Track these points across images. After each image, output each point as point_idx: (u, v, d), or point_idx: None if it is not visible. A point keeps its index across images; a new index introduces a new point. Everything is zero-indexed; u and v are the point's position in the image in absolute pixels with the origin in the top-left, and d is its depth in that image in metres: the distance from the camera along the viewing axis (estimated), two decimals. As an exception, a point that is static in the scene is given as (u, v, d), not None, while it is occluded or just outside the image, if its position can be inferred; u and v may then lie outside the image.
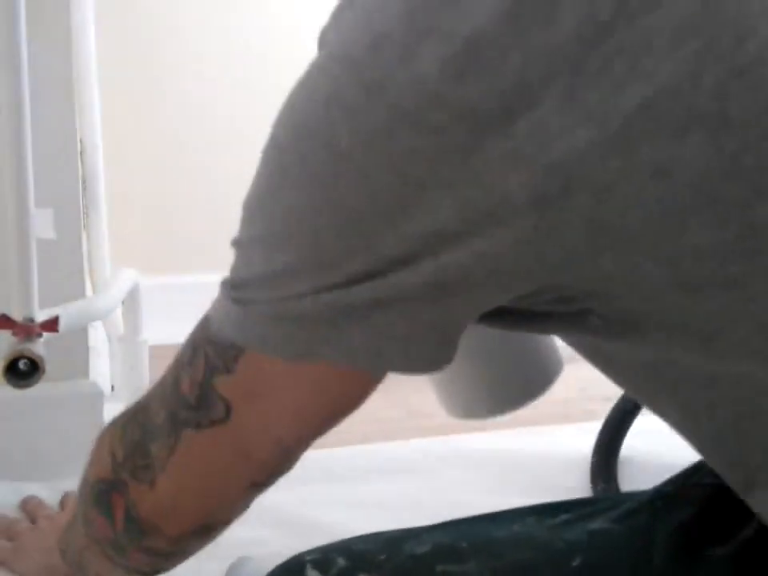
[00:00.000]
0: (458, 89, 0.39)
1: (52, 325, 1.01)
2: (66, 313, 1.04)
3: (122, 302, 1.38)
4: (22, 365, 0.97)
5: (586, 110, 0.38)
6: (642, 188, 0.39)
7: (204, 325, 0.54)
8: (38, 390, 1.01)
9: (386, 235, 0.43)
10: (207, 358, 0.52)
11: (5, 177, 0.99)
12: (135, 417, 0.58)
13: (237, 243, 0.51)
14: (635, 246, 0.41)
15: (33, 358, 0.97)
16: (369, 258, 0.44)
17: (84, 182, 1.35)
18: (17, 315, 0.99)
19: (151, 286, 1.47)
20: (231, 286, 0.51)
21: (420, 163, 0.40)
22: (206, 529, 0.57)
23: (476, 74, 0.38)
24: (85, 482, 0.62)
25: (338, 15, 0.43)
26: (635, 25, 0.36)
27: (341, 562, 0.61)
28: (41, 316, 1.00)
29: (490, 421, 1.38)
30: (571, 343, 0.54)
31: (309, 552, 0.64)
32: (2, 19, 0.95)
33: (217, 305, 0.53)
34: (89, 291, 1.36)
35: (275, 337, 0.49)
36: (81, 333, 1.24)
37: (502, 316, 0.50)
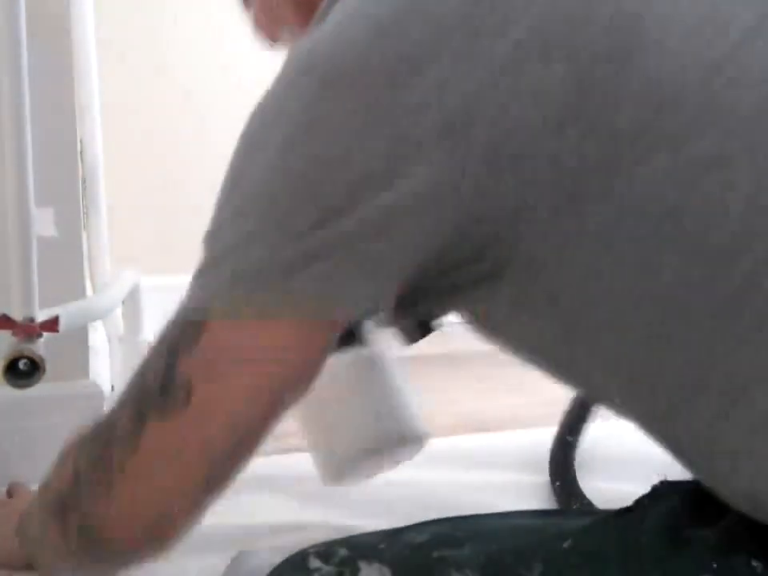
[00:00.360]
0: (376, 54, 0.49)
1: (52, 325, 1.00)
2: (66, 313, 1.04)
3: (123, 302, 1.38)
4: (22, 365, 0.97)
5: (475, 60, 0.47)
6: (524, 107, 0.47)
7: (167, 322, 0.57)
8: (38, 390, 1.01)
9: (326, 187, 0.51)
10: (170, 343, 0.55)
11: (5, 176, 0.99)
12: (99, 430, 0.59)
13: (206, 237, 0.57)
14: (525, 163, 0.49)
15: (33, 357, 0.97)
16: (314, 211, 0.52)
17: (84, 181, 1.34)
18: (17, 315, 0.98)
19: (151, 286, 1.47)
20: (197, 273, 0.56)
21: (353, 118, 0.50)
22: (160, 537, 0.57)
23: (392, 36, 0.49)
24: (45, 489, 0.63)
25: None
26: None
27: (342, 552, 0.63)
28: (41, 316, 1.00)
29: (490, 422, 1.38)
30: (490, 330, 0.60)
31: (312, 546, 0.65)
32: (2, 19, 0.95)
33: (182, 299, 0.56)
34: (89, 291, 1.36)
35: (234, 299, 0.53)
36: (81, 333, 1.24)
37: (426, 296, 0.57)
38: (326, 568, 0.63)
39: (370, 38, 0.50)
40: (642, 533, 0.57)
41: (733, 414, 0.49)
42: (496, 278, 0.54)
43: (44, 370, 0.98)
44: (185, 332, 0.55)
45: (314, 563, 0.63)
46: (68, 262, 1.20)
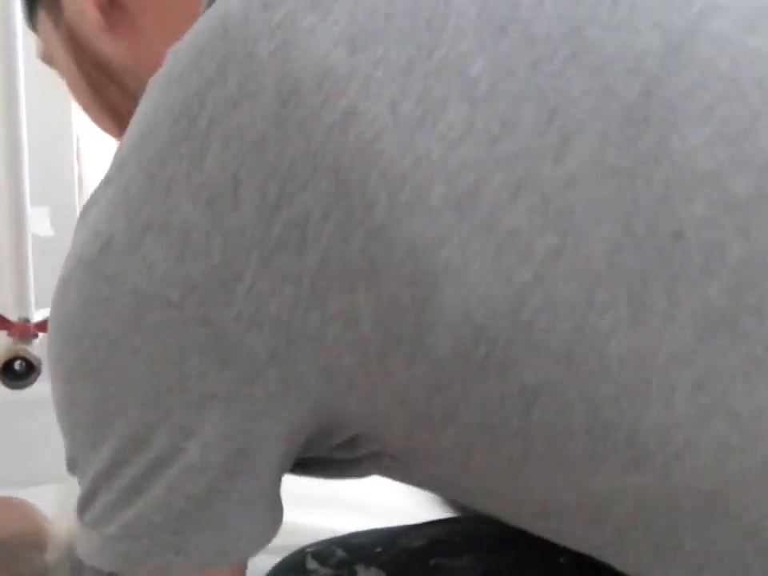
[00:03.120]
0: (180, 270, 0.45)
1: (48, 325, 1.00)
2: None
3: (119, 302, 1.38)
4: (17, 366, 0.97)
5: (281, 272, 0.44)
6: (340, 334, 0.45)
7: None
8: (34, 391, 1.00)
9: (165, 403, 0.48)
10: None
11: (1, 176, 0.98)
12: None
13: (68, 466, 0.53)
14: (364, 385, 0.46)
15: (29, 359, 0.97)
16: (167, 435, 0.48)
17: (80, 180, 1.34)
18: (12, 315, 0.98)
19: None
20: (80, 507, 0.52)
21: (169, 334, 0.46)
22: None
23: (191, 255, 0.45)
24: None
25: (77, 227, 0.51)
26: (294, 201, 0.44)
27: (340, 553, 0.63)
28: (36, 316, 1.00)
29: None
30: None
31: (310, 545, 0.65)
32: (-2, 17, 0.95)
33: (82, 538, 0.53)
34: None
35: (133, 554, 0.51)
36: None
37: (309, 467, 0.55)
38: (323, 570, 0.62)
39: (171, 256, 0.46)
40: None
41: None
42: (376, 460, 0.53)
43: (40, 371, 0.98)
44: None
45: (312, 564, 0.63)
46: (64, 262, 1.19)
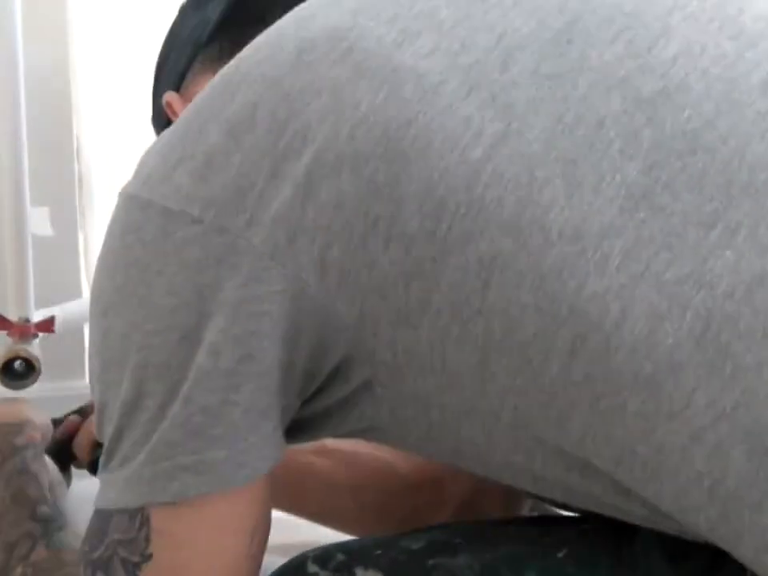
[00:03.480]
0: (202, 187, 0.54)
1: (48, 325, 1.00)
2: (62, 313, 1.03)
3: (119, 302, 1.38)
4: (17, 366, 0.97)
5: (284, 175, 0.53)
6: (330, 221, 0.53)
7: (96, 529, 0.59)
8: (34, 390, 1.00)
9: (181, 320, 0.54)
10: (123, 562, 0.57)
11: (1, 176, 0.98)
12: None
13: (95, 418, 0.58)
14: (351, 279, 0.53)
15: (28, 358, 0.97)
16: (182, 351, 0.54)
17: (80, 180, 1.34)
18: (12, 315, 0.98)
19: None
20: (105, 458, 0.57)
21: (189, 250, 0.54)
22: None
23: (213, 174, 0.54)
24: None
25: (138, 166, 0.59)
26: (300, 116, 0.54)
27: (339, 556, 0.63)
28: (37, 316, 1.00)
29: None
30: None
31: (311, 550, 0.65)
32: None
33: (101, 498, 0.58)
34: (85, 291, 1.35)
35: (157, 479, 0.55)
36: (77, 333, 1.23)
37: (310, 425, 0.60)
38: (323, 573, 0.63)
39: (196, 178, 0.55)
40: (636, 542, 0.57)
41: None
42: (369, 392, 0.57)
43: (39, 371, 0.98)
44: (134, 537, 0.57)
45: (312, 568, 0.63)
46: (64, 262, 1.19)
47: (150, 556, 0.56)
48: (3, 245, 0.99)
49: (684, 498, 0.50)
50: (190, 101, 0.69)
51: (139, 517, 0.56)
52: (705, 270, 0.49)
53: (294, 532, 0.87)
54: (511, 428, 0.55)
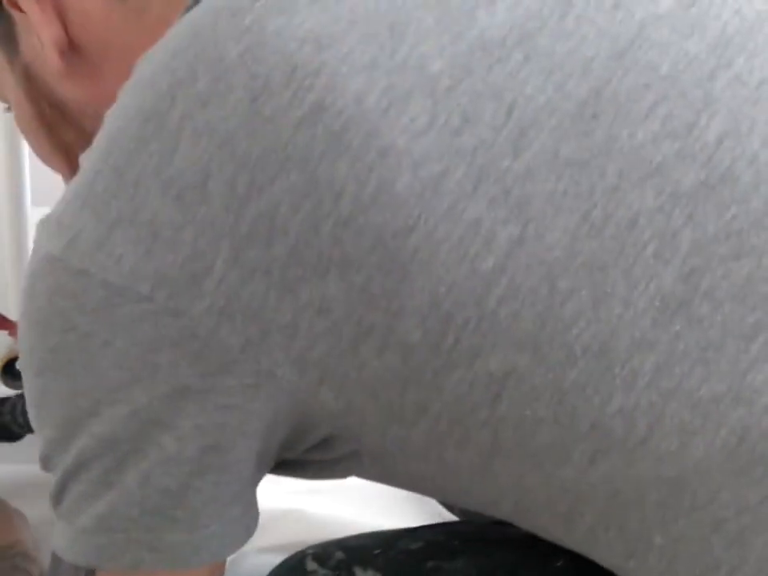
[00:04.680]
0: (150, 263, 0.46)
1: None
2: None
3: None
4: (18, 366, 0.97)
5: (251, 263, 0.45)
6: (312, 323, 0.46)
7: (52, 569, 0.58)
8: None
9: (135, 396, 0.48)
10: None
11: (1, 176, 0.98)
12: None
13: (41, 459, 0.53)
14: (336, 377, 0.47)
15: (29, 358, 0.97)
16: (139, 430, 0.49)
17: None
18: (13, 315, 0.98)
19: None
20: (53, 500, 0.53)
21: (140, 327, 0.47)
22: None
23: (161, 249, 0.46)
24: None
25: (38, 225, 0.51)
26: (263, 194, 0.45)
27: (338, 555, 0.62)
28: (37, 316, 0.99)
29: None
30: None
31: (310, 547, 0.65)
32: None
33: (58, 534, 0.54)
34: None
35: (106, 549, 0.51)
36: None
37: (289, 468, 0.56)
38: (323, 571, 0.62)
39: (141, 252, 0.46)
40: None
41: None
42: (356, 459, 0.53)
43: (40, 371, 0.98)
44: None
45: (311, 566, 0.63)
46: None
47: None
48: (3, 244, 0.99)
49: None
50: None
51: (85, 571, 0.54)
52: (743, 385, 0.46)
53: (293, 532, 0.87)
54: (509, 516, 0.53)
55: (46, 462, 0.53)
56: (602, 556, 0.51)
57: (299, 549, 0.66)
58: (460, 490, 0.53)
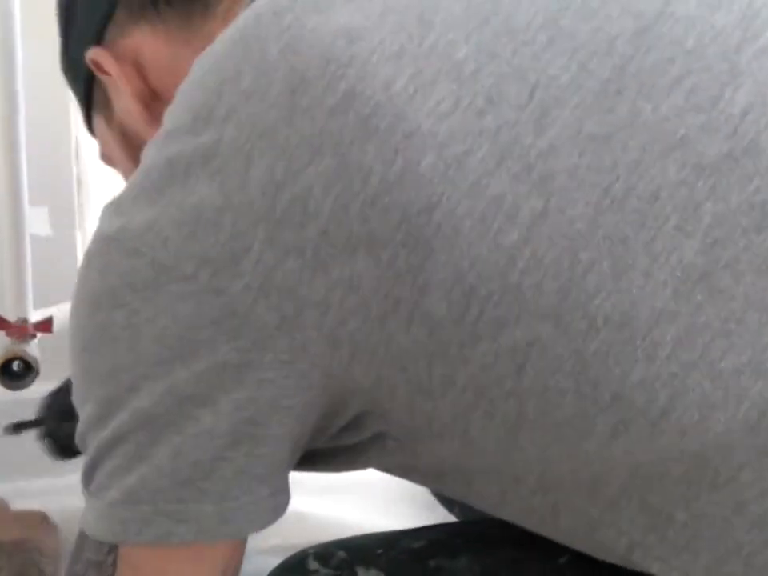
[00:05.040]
0: (194, 245, 0.49)
1: (46, 325, 1.00)
2: (61, 313, 1.03)
3: (117, 303, 1.37)
4: (15, 366, 0.97)
5: (285, 244, 0.48)
6: (343, 300, 0.48)
7: (77, 547, 0.60)
8: (32, 391, 1.00)
9: (175, 373, 0.50)
10: None
11: (0, 175, 0.98)
12: None
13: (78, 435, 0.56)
14: (366, 351, 0.49)
15: (27, 359, 0.96)
16: (176, 405, 0.51)
17: (79, 180, 1.34)
18: (11, 316, 0.98)
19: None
20: (84, 478, 0.55)
21: (183, 305, 0.49)
22: None
23: (204, 231, 0.49)
24: None
25: (103, 209, 0.54)
26: (298, 178, 0.48)
27: (340, 554, 0.63)
28: (35, 316, 0.99)
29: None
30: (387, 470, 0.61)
31: (311, 547, 0.65)
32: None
33: (86, 515, 0.55)
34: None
35: (133, 521, 0.52)
36: (75, 333, 1.23)
37: (314, 460, 0.58)
38: (324, 570, 0.63)
39: (185, 233, 0.50)
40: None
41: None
42: (381, 443, 0.55)
43: (38, 372, 0.98)
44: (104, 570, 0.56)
45: (313, 565, 0.63)
46: (62, 262, 1.19)
47: None
48: (2, 245, 0.99)
49: (718, 567, 0.50)
50: (123, 56, 0.67)
51: (109, 544, 0.56)
52: (765, 358, 0.46)
53: (293, 534, 0.87)
54: (531, 492, 0.53)
55: (83, 439, 0.55)
56: (621, 530, 0.51)
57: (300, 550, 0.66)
58: (485, 469, 0.53)
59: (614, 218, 0.46)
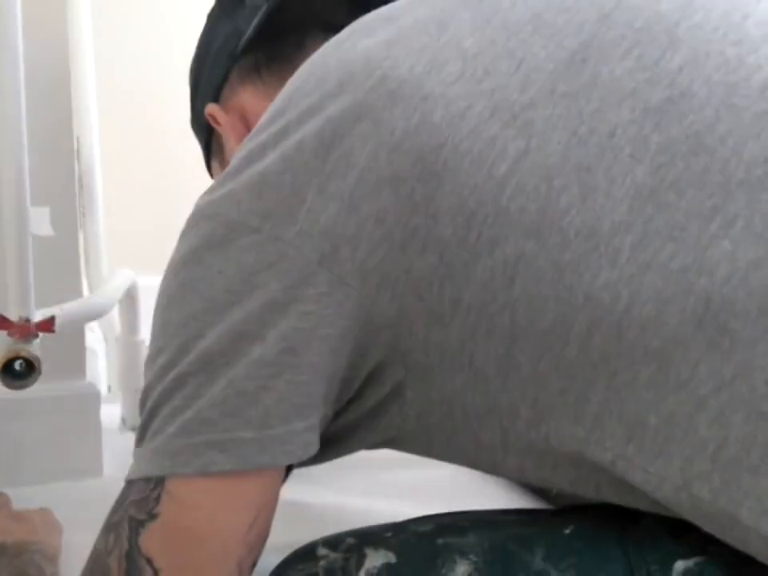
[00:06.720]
0: (260, 202, 0.62)
1: (48, 325, 1.00)
2: (63, 313, 1.03)
3: (119, 302, 1.38)
4: (17, 365, 0.97)
5: (330, 193, 0.61)
6: (371, 233, 0.60)
7: (120, 496, 0.63)
8: (34, 391, 1.00)
9: (233, 315, 0.60)
10: (130, 520, 0.61)
11: (1, 175, 0.98)
12: None
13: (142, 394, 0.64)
14: (390, 280, 0.60)
15: (29, 358, 0.96)
16: (232, 343, 0.60)
17: (80, 180, 1.34)
18: (13, 315, 0.98)
19: (148, 285, 1.46)
20: (139, 435, 0.62)
21: (248, 255, 0.61)
22: None
23: (268, 191, 0.62)
24: None
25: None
26: (343, 141, 0.61)
27: (350, 540, 0.66)
28: (37, 316, 0.99)
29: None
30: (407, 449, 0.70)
31: (322, 537, 0.68)
32: (-2, 17, 0.94)
33: (130, 469, 0.63)
34: (85, 291, 1.35)
35: (183, 453, 0.59)
36: (77, 333, 1.23)
37: (336, 441, 0.67)
38: (333, 555, 0.65)
39: (254, 194, 0.62)
40: (641, 516, 0.60)
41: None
42: (399, 397, 0.64)
43: (40, 371, 0.98)
44: (145, 499, 0.60)
45: (322, 551, 0.66)
46: (64, 262, 1.19)
47: (156, 516, 0.60)
48: (3, 245, 0.99)
49: (690, 467, 0.54)
50: (232, 110, 0.90)
51: (155, 480, 0.60)
52: (705, 258, 0.55)
53: (294, 532, 0.87)
54: (527, 427, 0.60)
55: (146, 395, 0.63)
56: (605, 446, 0.58)
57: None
58: (488, 407, 0.61)
59: (580, 152, 0.58)
